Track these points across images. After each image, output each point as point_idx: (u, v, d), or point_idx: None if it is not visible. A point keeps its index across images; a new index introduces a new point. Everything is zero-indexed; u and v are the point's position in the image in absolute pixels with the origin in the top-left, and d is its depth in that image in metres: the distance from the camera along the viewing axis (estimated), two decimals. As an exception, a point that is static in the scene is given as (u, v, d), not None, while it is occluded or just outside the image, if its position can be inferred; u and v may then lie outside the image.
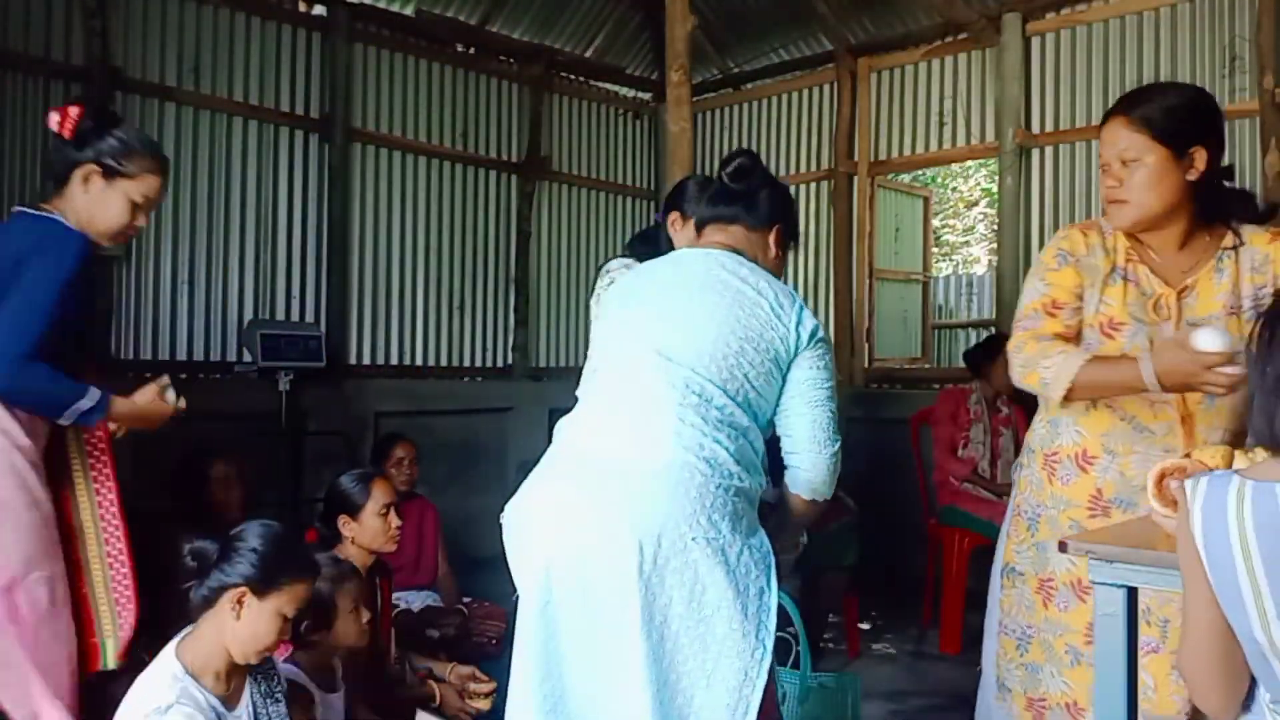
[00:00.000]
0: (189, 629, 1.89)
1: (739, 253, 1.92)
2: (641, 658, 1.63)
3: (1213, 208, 2.04)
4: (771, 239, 1.99)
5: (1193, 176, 1.97)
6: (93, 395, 2.12)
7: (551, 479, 1.82)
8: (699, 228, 2.04)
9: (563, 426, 1.89)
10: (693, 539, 1.65)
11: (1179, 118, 2.00)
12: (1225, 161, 2.05)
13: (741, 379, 1.77)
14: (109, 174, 2.20)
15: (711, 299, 1.82)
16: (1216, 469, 1.74)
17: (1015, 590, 2.18)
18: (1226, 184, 2.08)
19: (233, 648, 1.85)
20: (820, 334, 1.86)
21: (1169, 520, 1.56)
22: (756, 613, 1.68)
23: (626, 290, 2.00)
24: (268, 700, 1.97)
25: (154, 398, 2.29)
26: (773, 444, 1.91)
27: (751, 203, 1.98)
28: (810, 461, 1.86)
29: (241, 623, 1.84)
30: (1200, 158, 1.98)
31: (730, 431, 1.74)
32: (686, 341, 1.78)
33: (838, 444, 1.87)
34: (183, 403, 2.33)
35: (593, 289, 2.74)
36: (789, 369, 1.83)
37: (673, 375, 1.76)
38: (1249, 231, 2.06)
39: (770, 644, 1.68)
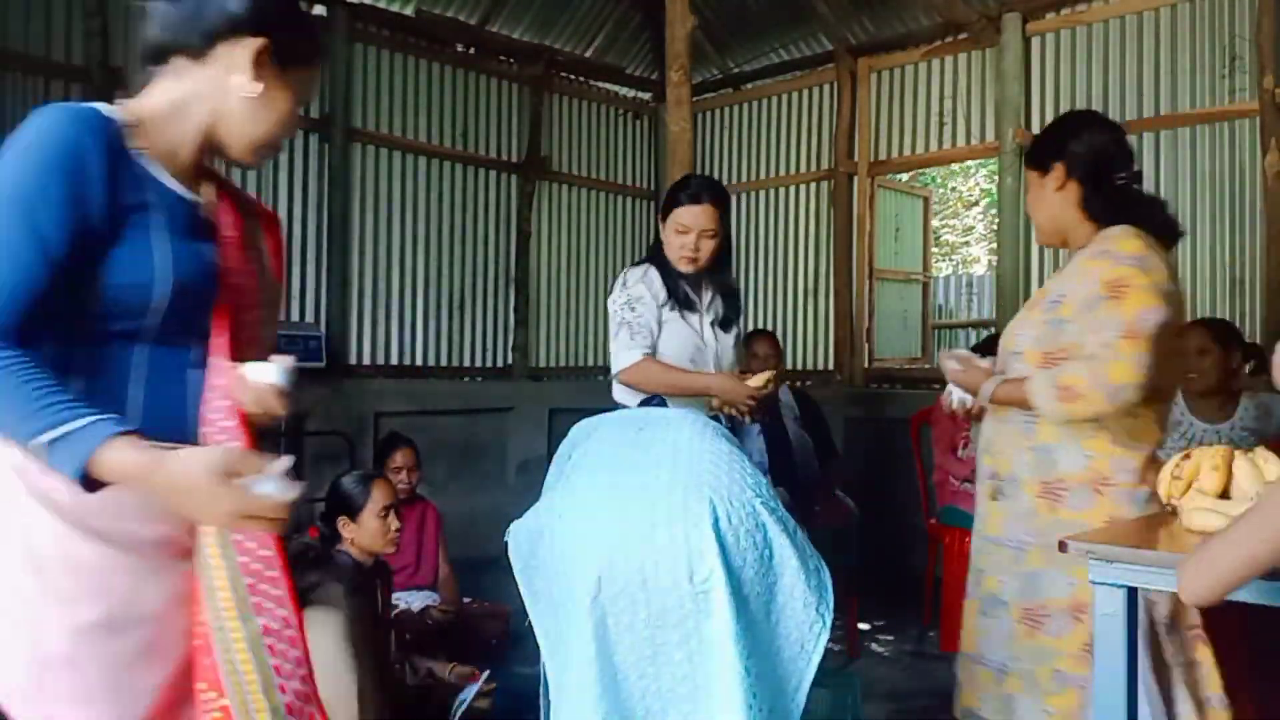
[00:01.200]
0: None
1: None
2: (729, 619, 1.59)
3: (1109, 216, 2.10)
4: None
5: (1055, 189, 2.07)
6: (75, 424, 1.09)
7: (596, 470, 1.85)
8: None
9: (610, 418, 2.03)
10: (760, 501, 1.68)
11: (1039, 140, 2.23)
12: (1133, 169, 2.14)
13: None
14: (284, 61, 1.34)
15: None
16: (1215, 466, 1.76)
17: (995, 621, 2.14)
18: (1137, 191, 2.17)
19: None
20: None
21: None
22: (818, 587, 1.68)
23: None
24: None
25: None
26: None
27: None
28: None
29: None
30: (1058, 171, 2.10)
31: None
32: None
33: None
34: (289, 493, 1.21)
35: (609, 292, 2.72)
36: None
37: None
38: (1108, 236, 2.09)
39: (829, 620, 1.67)
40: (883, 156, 5.71)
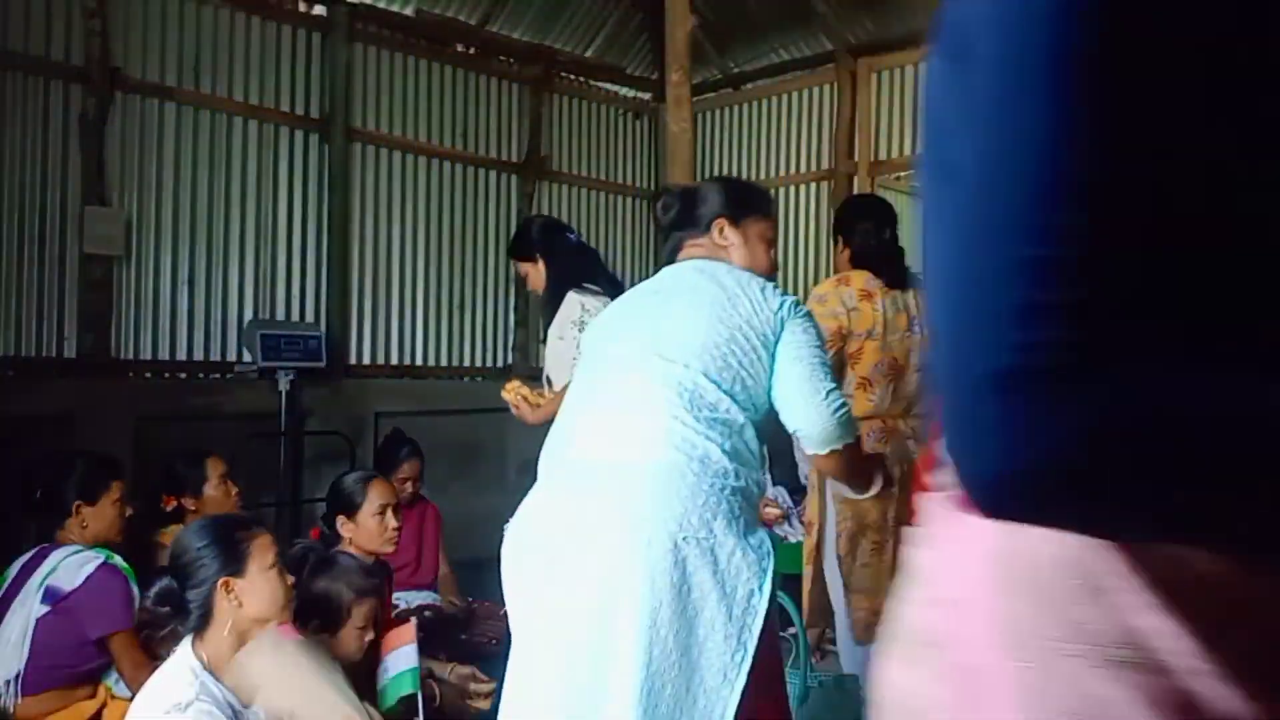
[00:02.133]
0: (196, 628, 1.90)
1: (712, 260, 1.97)
2: (635, 666, 1.62)
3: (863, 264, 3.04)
4: (722, 231, 2.02)
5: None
6: None
7: (545, 490, 1.84)
8: (673, 252, 2.10)
9: (551, 435, 1.91)
10: (682, 538, 1.64)
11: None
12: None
13: (735, 367, 1.77)
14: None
15: (695, 298, 1.85)
16: None
17: None
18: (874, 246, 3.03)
19: (261, 621, 1.93)
20: (803, 308, 1.87)
21: None
22: (742, 615, 1.66)
23: (608, 316, 2.07)
24: None
25: None
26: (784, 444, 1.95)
27: (689, 217, 2.05)
28: (806, 414, 1.80)
29: (246, 603, 1.90)
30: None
31: (724, 429, 1.73)
32: (676, 337, 1.80)
33: (831, 389, 1.81)
34: None
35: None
36: (776, 345, 1.82)
37: (665, 373, 1.76)
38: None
39: (753, 647, 1.66)
40: (883, 156, 5.71)
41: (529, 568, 1.78)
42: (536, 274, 3.32)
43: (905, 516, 2.79)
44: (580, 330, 3.14)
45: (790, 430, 1.85)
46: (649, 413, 1.74)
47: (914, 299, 3.01)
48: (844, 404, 1.83)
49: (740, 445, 1.75)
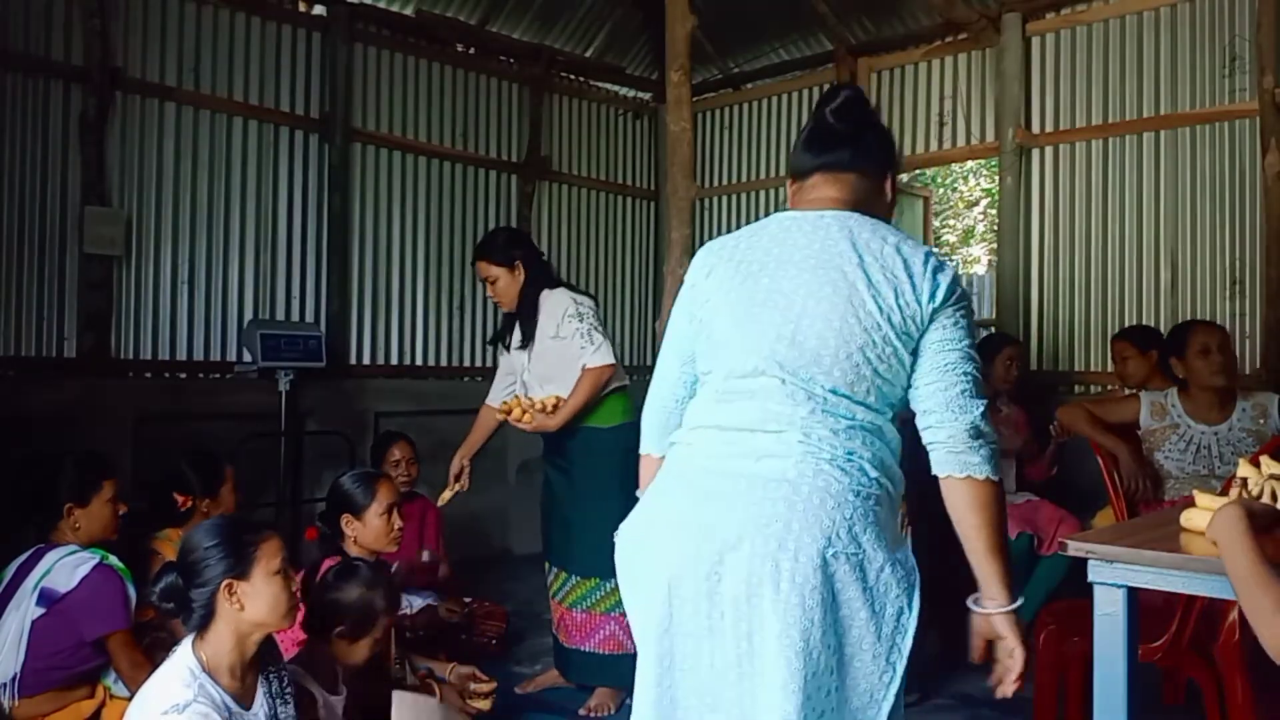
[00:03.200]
0: (197, 628, 1.90)
1: (858, 211, 1.64)
2: (791, 688, 1.48)
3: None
4: (888, 187, 1.72)
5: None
6: None
7: (677, 496, 1.65)
8: (798, 177, 1.72)
9: (678, 440, 1.72)
10: (832, 554, 1.50)
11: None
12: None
13: (870, 376, 1.56)
14: None
15: (829, 287, 1.57)
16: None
17: None
18: None
19: (262, 626, 1.92)
20: (958, 290, 1.58)
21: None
22: (891, 634, 1.54)
23: (726, 277, 1.68)
24: (277, 700, 1.98)
25: None
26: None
27: (861, 145, 1.67)
28: (949, 431, 1.56)
29: (248, 607, 1.88)
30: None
31: (864, 436, 1.56)
32: (805, 352, 1.56)
33: (981, 407, 1.57)
34: None
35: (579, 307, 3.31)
36: (922, 337, 1.57)
37: (794, 391, 1.57)
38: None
39: (902, 668, 1.55)
40: (883, 156, 5.70)
41: (652, 582, 1.62)
42: (512, 280, 3.35)
43: None
44: (580, 321, 3.23)
45: (924, 440, 1.61)
46: (783, 428, 1.56)
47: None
48: (984, 424, 1.57)
49: (881, 449, 1.58)
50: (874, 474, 1.55)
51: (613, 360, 3.27)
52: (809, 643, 1.48)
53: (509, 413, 3.28)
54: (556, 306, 3.32)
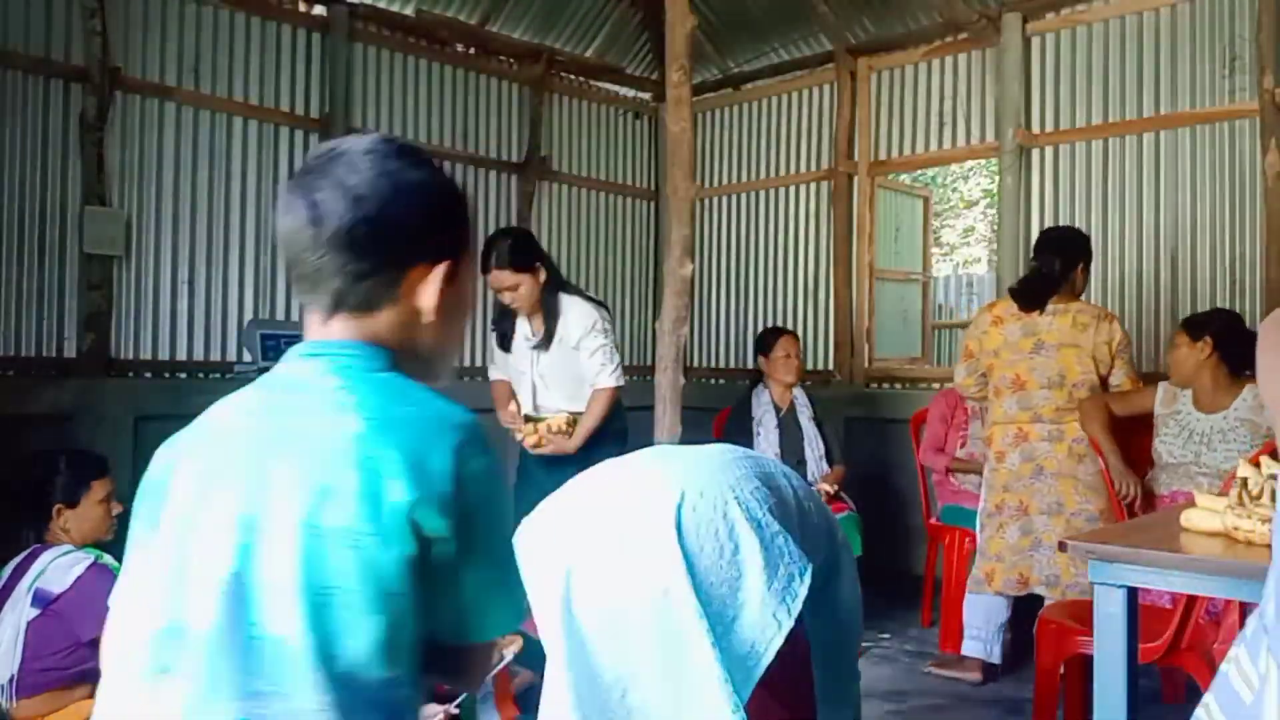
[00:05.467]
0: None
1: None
2: (686, 594, 1.58)
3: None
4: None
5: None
6: None
7: (575, 480, 1.85)
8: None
9: None
10: (734, 498, 1.64)
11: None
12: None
13: None
14: None
15: None
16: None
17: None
18: None
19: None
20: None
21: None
22: (781, 592, 1.61)
23: None
24: None
25: None
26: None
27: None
28: None
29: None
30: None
31: None
32: None
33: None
34: None
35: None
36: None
37: None
38: None
39: (788, 626, 1.61)
40: (883, 156, 5.71)
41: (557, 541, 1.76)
42: (534, 281, 3.33)
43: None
44: (605, 337, 3.42)
45: None
46: None
47: (1049, 326, 3.53)
48: None
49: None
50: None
51: (623, 380, 3.41)
52: (703, 576, 1.59)
53: (532, 438, 3.37)
54: (584, 317, 3.34)
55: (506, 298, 3.39)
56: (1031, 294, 3.59)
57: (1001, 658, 3.64)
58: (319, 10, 5.13)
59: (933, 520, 4.47)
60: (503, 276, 3.34)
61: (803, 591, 1.63)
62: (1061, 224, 4.90)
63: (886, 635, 4.26)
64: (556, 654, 1.67)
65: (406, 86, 5.46)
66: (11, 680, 2.43)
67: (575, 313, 3.36)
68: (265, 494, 0.98)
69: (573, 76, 6.30)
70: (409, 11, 5.42)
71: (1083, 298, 3.70)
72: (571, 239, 6.28)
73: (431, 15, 5.50)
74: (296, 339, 1.16)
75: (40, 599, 2.45)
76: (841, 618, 1.88)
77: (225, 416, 1.06)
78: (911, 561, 4.91)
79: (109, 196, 4.38)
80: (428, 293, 1.10)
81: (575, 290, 3.48)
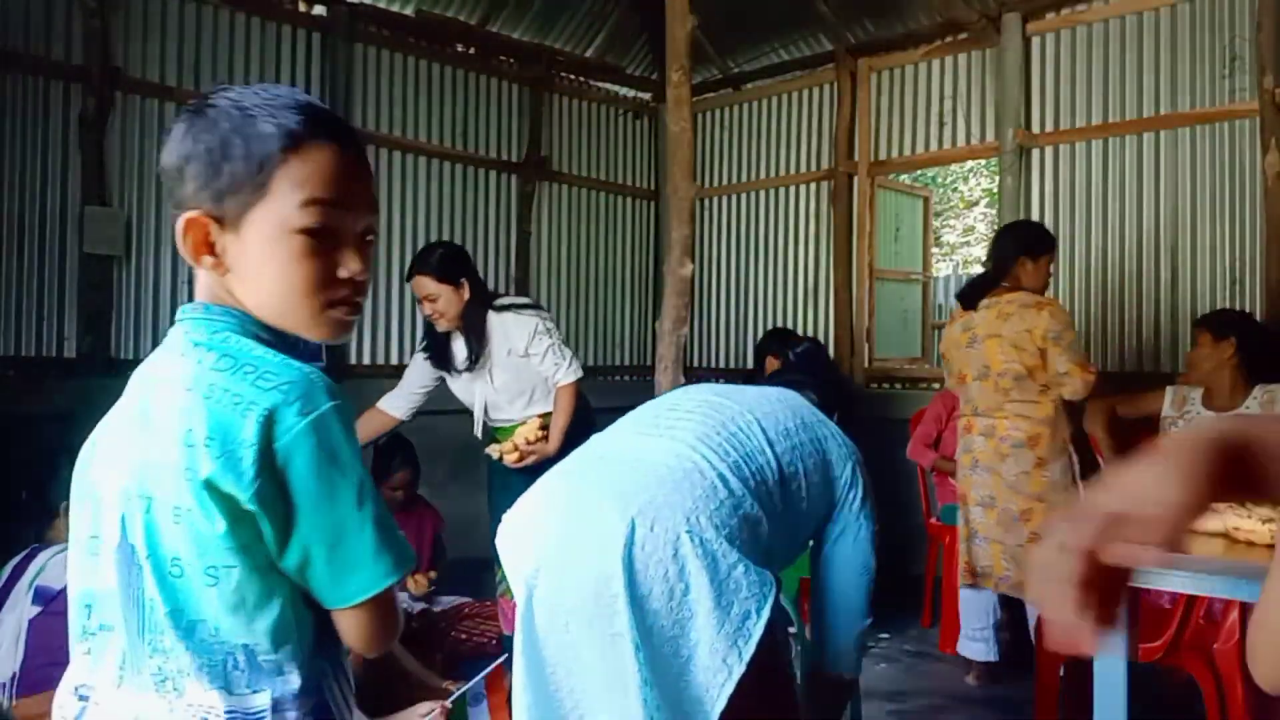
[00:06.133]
0: None
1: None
2: (629, 647, 1.59)
3: None
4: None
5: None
6: None
7: (546, 477, 1.85)
8: None
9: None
10: (687, 532, 1.60)
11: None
12: None
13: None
14: None
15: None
16: None
17: None
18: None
19: None
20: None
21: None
22: (734, 634, 1.58)
23: None
24: None
25: None
26: None
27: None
28: None
29: None
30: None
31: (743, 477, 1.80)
32: None
33: None
34: None
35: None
36: None
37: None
38: None
39: (739, 671, 1.59)
40: (883, 156, 5.71)
41: (525, 553, 1.78)
42: (456, 297, 3.30)
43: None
44: (550, 336, 3.36)
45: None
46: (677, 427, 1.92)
47: (980, 319, 3.54)
48: None
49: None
50: (742, 491, 1.73)
51: (581, 372, 3.43)
52: (650, 610, 1.59)
53: (511, 455, 3.38)
54: (522, 327, 3.33)
55: (426, 308, 3.33)
56: (969, 291, 3.67)
57: (1000, 657, 3.64)
58: (319, 10, 5.13)
59: (933, 520, 4.47)
60: (424, 283, 3.29)
61: (758, 631, 1.60)
62: (1061, 223, 4.91)
63: (886, 635, 4.26)
64: (518, 673, 1.70)
65: (406, 86, 5.46)
66: (13, 679, 2.42)
67: (512, 327, 3.33)
68: (129, 468, 1.01)
69: (573, 76, 6.30)
70: (409, 11, 5.43)
71: (1048, 292, 3.60)
72: (571, 239, 6.28)
73: (432, 15, 5.50)
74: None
75: (41, 596, 2.45)
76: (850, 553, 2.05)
77: (128, 391, 1.09)
78: (911, 561, 4.91)
79: (109, 196, 4.38)
80: (187, 245, 1.08)
81: (507, 306, 3.41)
